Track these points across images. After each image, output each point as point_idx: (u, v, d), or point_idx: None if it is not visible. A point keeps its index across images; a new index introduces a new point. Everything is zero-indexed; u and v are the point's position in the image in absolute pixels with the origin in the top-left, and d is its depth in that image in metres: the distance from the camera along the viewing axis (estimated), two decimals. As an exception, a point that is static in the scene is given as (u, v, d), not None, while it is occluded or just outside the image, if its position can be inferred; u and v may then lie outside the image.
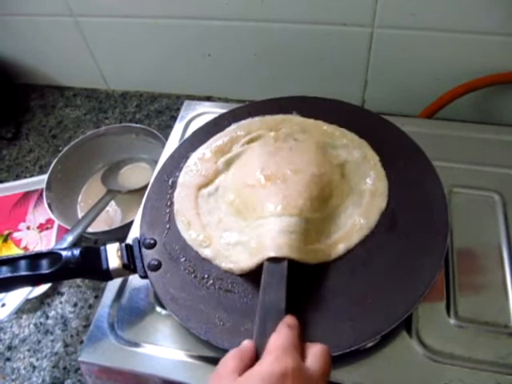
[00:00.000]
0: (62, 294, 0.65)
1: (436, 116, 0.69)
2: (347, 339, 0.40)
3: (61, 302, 0.64)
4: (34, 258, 0.41)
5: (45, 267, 0.41)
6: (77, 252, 0.42)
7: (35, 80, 0.94)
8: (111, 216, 0.72)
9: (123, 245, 0.45)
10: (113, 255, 0.44)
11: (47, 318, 0.63)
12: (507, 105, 0.70)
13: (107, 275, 0.44)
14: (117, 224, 0.69)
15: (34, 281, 0.43)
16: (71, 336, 0.61)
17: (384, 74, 0.72)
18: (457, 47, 0.65)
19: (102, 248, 0.44)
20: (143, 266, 0.45)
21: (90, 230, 0.66)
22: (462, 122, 0.63)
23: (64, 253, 0.42)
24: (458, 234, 0.49)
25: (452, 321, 0.43)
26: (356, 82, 0.74)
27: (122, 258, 0.44)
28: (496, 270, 0.46)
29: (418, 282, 0.42)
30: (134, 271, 0.45)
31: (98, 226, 0.69)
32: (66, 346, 0.60)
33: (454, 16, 0.61)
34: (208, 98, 0.84)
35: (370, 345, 0.40)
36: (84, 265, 0.43)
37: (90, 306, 0.64)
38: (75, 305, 0.64)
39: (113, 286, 0.49)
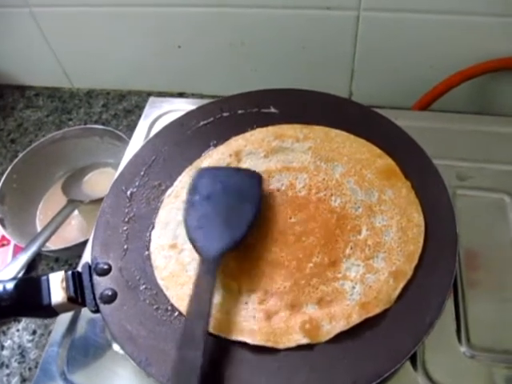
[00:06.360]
0: (19, 321, 0.59)
1: (430, 108, 0.65)
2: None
3: (18, 330, 0.58)
4: (-44, 296, 0.34)
5: (-31, 306, 0.34)
6: (10, 286, 0.35)
7: (-8, 79, 0.88)
8: (76, 230, 0.65)
9: (69, 273, 0.38)
10: (56, 286, 0.37)
11: (2, 348, 0.57)
12: (508, 93, 0.65)
13: (51, 311, 0.37)
14: (83, 239, 0.62)
15: (-45, 324, 0.36)
16: (29, 369, 0.55)
17: (372, 62, 0.67)
18: (452, 31, 0.60)
19: (43, 278, 0.37)
20: (94, 297, 0.38)
21: (51, 247, 0.60)
22: (459, 113, 0.59)
23: (-6, 288, 0.35)
24: (465, 243, 0.43)
25: (463, 349, 0.38)
26: (342, 71, 0.70)
27: (67, 289, 0.37)
28: (513, 287, 0.40)
29: (425, 310, 0.35)
30: (83, 304, 0.38)
31: (61, 242, 0.61)
32: (23, 380, 0.54)
33: (449, -5, 0.57)
34: (181, 95, 0.80)
35: (368, 386, 0.34)
36: (20, 301, 0.36)
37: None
38: (34, 332, 0.58)
39: (64, 317, 0.42)
